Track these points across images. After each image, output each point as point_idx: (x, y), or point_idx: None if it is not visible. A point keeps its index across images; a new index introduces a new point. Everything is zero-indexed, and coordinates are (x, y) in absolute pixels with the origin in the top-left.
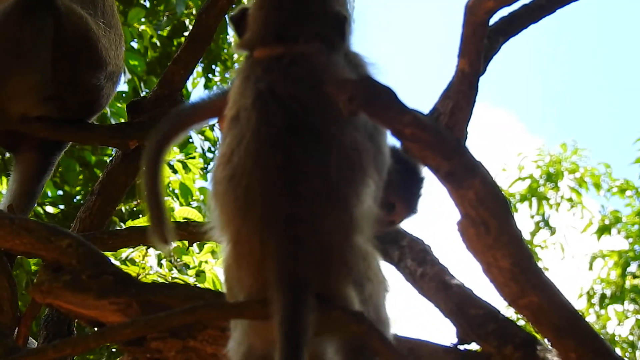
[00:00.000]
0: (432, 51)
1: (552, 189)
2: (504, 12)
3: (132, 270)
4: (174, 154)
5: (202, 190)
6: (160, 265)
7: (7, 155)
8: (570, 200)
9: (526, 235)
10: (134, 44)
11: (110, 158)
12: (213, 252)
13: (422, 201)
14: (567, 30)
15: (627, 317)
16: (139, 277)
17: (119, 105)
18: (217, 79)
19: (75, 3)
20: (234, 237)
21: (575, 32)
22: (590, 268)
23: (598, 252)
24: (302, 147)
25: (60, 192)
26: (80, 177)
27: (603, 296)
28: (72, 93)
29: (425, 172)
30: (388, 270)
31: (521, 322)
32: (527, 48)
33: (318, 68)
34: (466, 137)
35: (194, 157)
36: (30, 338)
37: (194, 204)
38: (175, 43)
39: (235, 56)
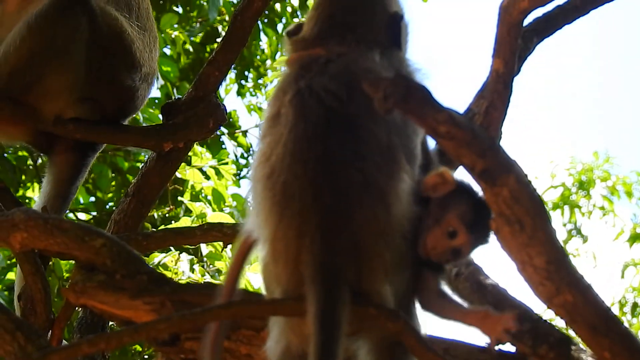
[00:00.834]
0: (466, 51)
1: (584, 197)
2: (539, 12)
3: None
4: (206, 160)
5: (234, 196)
6: (192, 270)
7: (40, 161)
8: (602, 208)
9: None
10: (167, 50)
11: (144, 162)
12: None
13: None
14: (599, 35)
15: None
16: None
17: (151, 110)
18: (249, 85)
19: (110, 5)
20: (272, 234)
21: (607, 37)
22: (622, 276)
23: (630, 260)
24: (339, 140)
25: (92, 199)
26: (113, 183)
27: (635, 305)
28: (107, 94)
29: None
30: None
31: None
32: (559, 54)
33: (354, 65)
34: (501, 137)
35: (226, 163)
36: (63, 341)
37: (227, 209)
38: (208, 49)
39: (269, 62)
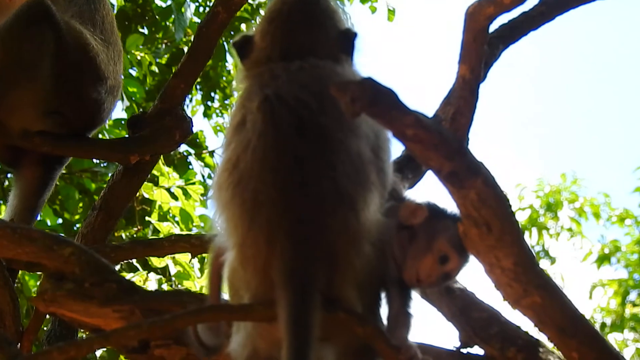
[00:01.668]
0: (432, 58)
1: (552, 218)
2: (504, 19)
3: None
4: (173, 180)
5: (202, 217)
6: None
7: (7, 183)
8: (570, 230)
9: None
10: (133, 72)
11: (110, 175)
12: None
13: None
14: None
15: (627, 346)
16: None
17: (118, 131)
18: (216, 105)
19: (75, 19)
20: (241, 241)
21: (572, 61)
22: (590, 297)
23: (598, 281)
24: (310, 150)
25: (60, 220)
26: (80, 204)
27: (603, 325)
28: (73, 107)
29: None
30: None
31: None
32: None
33: (324, 74)
34: (468, 143)
35: (194, 183)
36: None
37: (195, 230)
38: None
39: (235, 83)
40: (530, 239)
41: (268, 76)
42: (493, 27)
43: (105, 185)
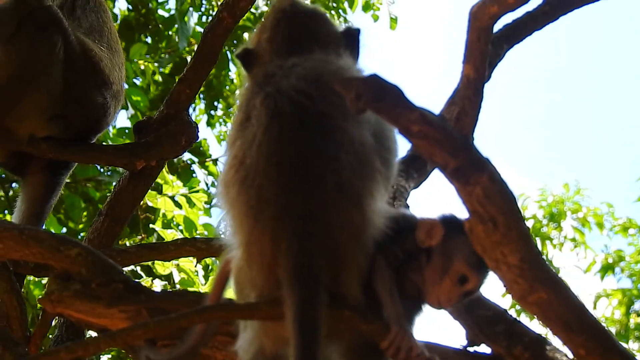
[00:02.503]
0: (436, 58)
1: (555, 229)
2: (508, 19)
3: None
4: (177, 188)
5: (205, 226)
6: None
7: (11, 193)
8: (573, 240)
9: None
10: (136, 81)
11: (116, 182)
12: None
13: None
14: (567, 67)
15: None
16: None
17: (122, 139)
18: (219, 114)
19: (77, 28)
20: (246, 238)
21: (575, 69)
22: (595, 307)
23: (602, 291)
24: (313, 142)
25: (64, 230)
26: (84, 213)
27: None
28: (79, 111)
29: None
30: None
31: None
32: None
33: (320, 66)
34: (473, 141)
35: (197, 191)
36: None
37: (198, 237)
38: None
39: (238, 92)
40: None
41: (267, 74)
42: (497, 27)
43: (109, 193)
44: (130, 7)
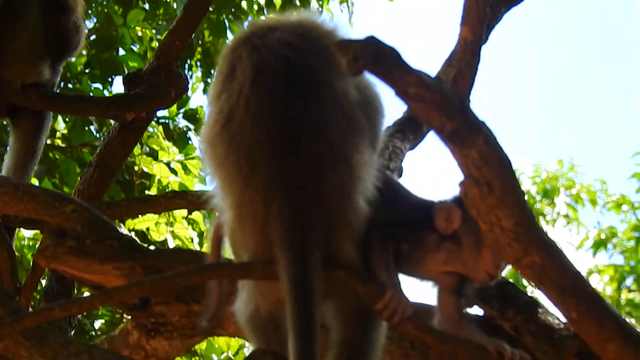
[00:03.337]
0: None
1: (548, 205)
2: None
3: None
4: (173, 155)
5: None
6: None
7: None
8: (566, 216)
9: None
10: (134, 47)
11: (106, 133)
12: None
13: None
14: (562, 41)
15: None
16: None
17: None
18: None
19: None
20: (237, 201)
21: (570, 44)
22: None
23: (594, 267)
24: (300, 99)
25: None
26: (79, 178)
27: None
28: (58, 45)
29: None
30: None
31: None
32: (521, 62)
33: (308, 21)
34: (469, 104)
35: (193, 158)
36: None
37: None
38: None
39: None
40: None
41: (255, 27)
42: None
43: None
44: None
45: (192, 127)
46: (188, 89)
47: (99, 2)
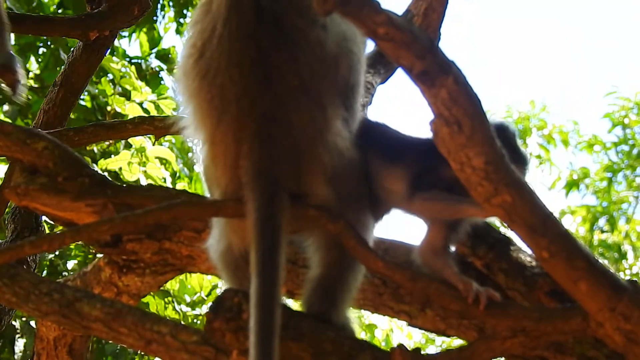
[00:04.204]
0: None
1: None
2: None
3: None
4: (145, 95)
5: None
6: None
7: None
8: (538, 156)
9: None
10: None
11: (70, 52)
12: None
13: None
14: None
15: None
16: None
17: None
18: (189, 21)
19: None
20: (210, 138)
21: None
22: None
23: (566, 207)
24: (273, 41)
25: None
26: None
27: None
28: None
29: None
30: None
31: None
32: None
33: None
34: (439, 39)
35: (166, 98)
36: None
37: (166, 144)
38: None
39: None
40: None
41: None
42: None
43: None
44: None
45: (164, 67)
46: (150, 6)
47: None
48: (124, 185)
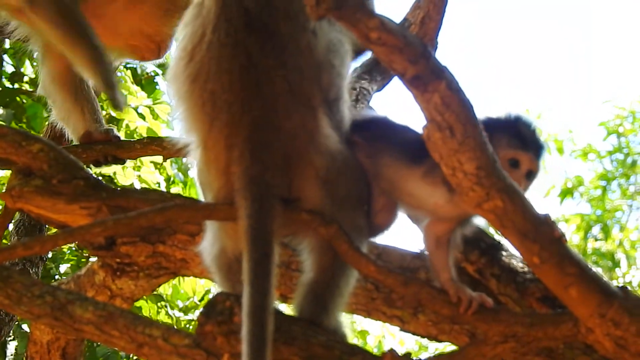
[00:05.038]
0: None
1: None
2: None
3: None
4: (141, 99)
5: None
6: None
7: None
8: None
9: None
10: None
11: None
12: None
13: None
14: None
15: None
16: None
17: None
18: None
19: None
20: (202, 142)
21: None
22: None
23: (560, 215)
24: (261, 47)
25: None
26: (47, 123)
27: None
28: None
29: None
30: None
31: None
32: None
33: None
34: (436, 47)
35: (161, 103)
36: None
37: None
38: None
39: None
40: None
41: None
42: None
43: None
44: None
45: (159, 72)
46: None
47: None
48: (119, 189)
